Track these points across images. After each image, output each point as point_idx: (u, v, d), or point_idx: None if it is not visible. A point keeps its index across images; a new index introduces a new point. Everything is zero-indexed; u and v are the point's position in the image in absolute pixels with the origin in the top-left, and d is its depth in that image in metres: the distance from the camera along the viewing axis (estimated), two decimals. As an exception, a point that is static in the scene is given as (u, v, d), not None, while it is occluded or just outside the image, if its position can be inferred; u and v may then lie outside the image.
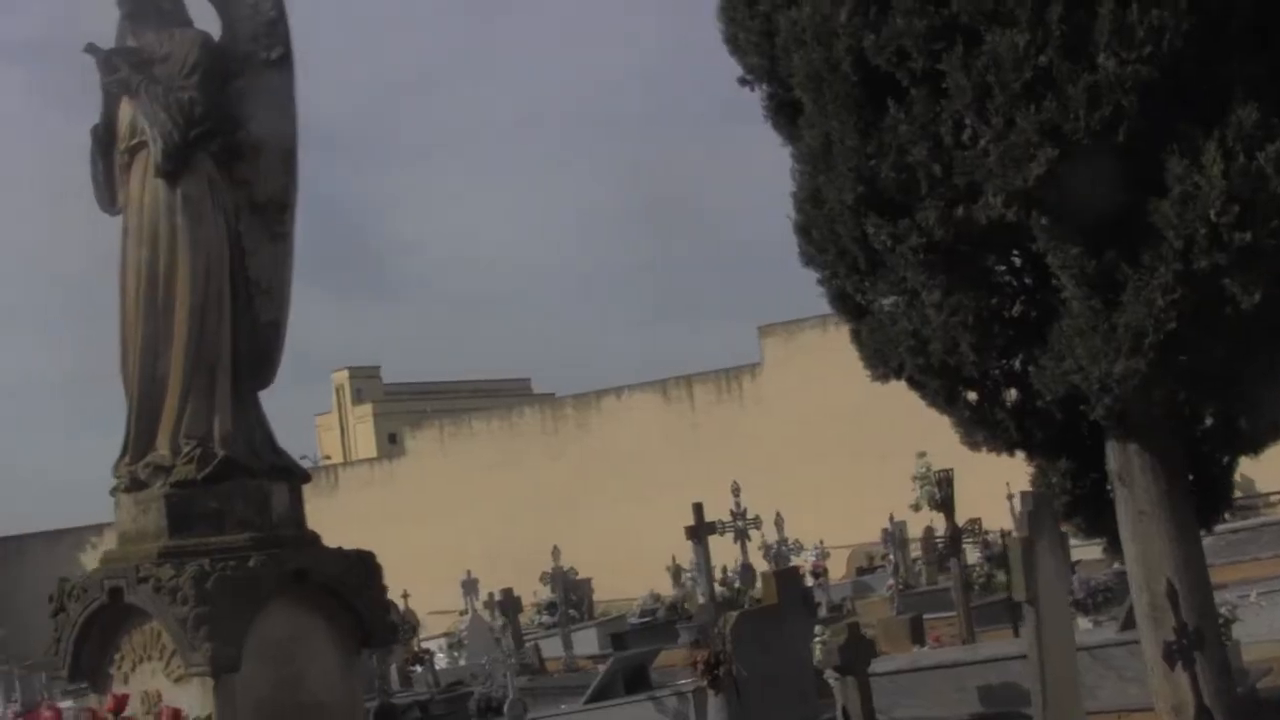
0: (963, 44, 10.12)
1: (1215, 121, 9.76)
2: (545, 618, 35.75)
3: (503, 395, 70.83)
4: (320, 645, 8.35)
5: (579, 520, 44.01)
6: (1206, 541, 27.46)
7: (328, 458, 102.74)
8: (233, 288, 8.41)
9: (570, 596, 32.83)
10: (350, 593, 8.42)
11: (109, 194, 8.75)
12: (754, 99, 12.37)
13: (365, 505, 54.06)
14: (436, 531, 50.70)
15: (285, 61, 8.78)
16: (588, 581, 35.26)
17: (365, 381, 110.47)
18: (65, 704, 31.55)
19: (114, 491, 8.55)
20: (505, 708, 17.59)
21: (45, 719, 8.57)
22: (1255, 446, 11.88)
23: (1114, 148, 9.84)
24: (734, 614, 14.77)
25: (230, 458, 8.19)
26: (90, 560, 69.40)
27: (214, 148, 8.49)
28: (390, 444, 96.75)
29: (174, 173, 8.30)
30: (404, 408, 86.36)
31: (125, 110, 8.60)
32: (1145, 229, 9.94)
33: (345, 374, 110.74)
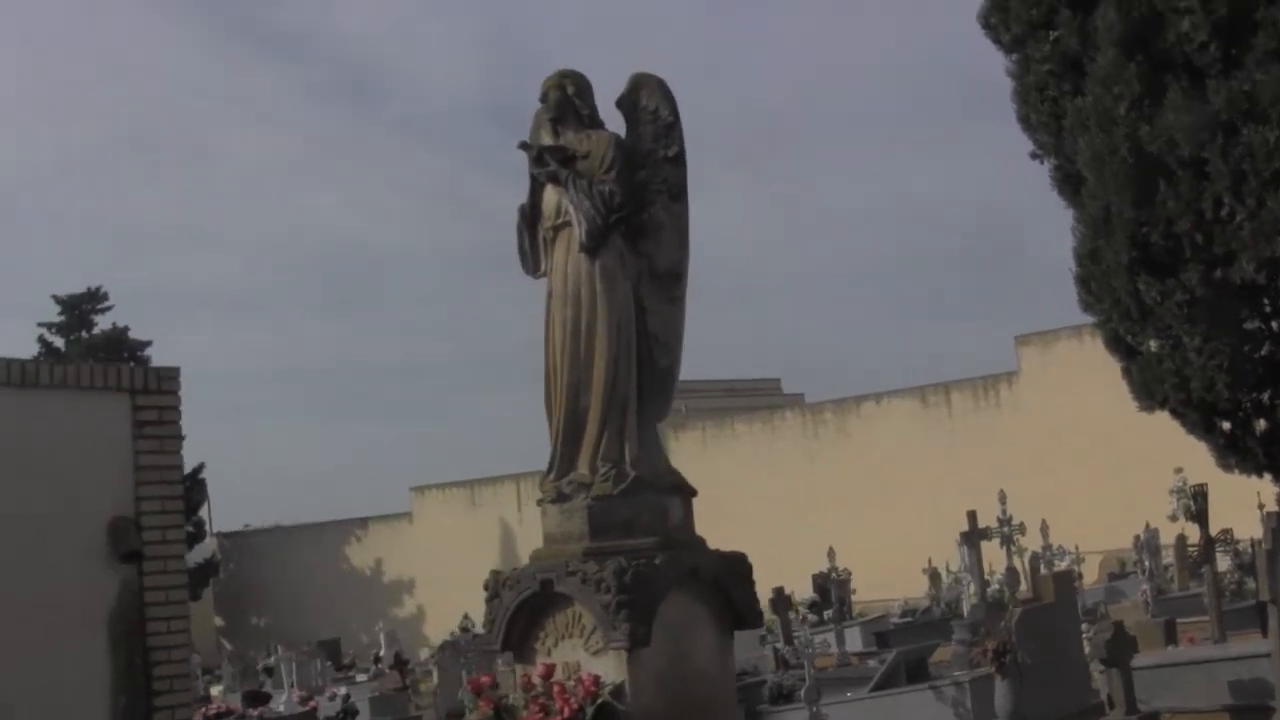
0: (1223, 136, 12.13)
1: None
2: (811, 616, 37.18)
3: (753, 395, 71.48)
4: (704, 628, 10.47)
5: (837, 523, 44.41)
6: None
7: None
8: (638, 340, 10.60)
9: (830, 597, 33.96)
10: (728, 586, 10.56)
11: (534, 262, 10.97)
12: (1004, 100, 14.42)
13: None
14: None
15: (680, 158, 10.89)
16: (847, 582, 36.47)
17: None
18: (340, 690, 33.78)
19: (541, 503, 10.73)
20: (802, 693, 19.12)
21: (484, 683, 10.82)
22: None
23: (1349, 224, 11.80)
24: (1018, 609, 16.69)
25: (639, 476, 10.36)
26: (355, 552, 72.59)
27: (624, 228, 10.67)
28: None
29: (594, 249, 10.50)
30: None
31: (550, 196, 10.78)
32: (1375, 292, 11.88)
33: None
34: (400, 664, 40.71)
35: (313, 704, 32.25)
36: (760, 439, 58.21)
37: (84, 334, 56.35)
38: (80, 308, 56.42)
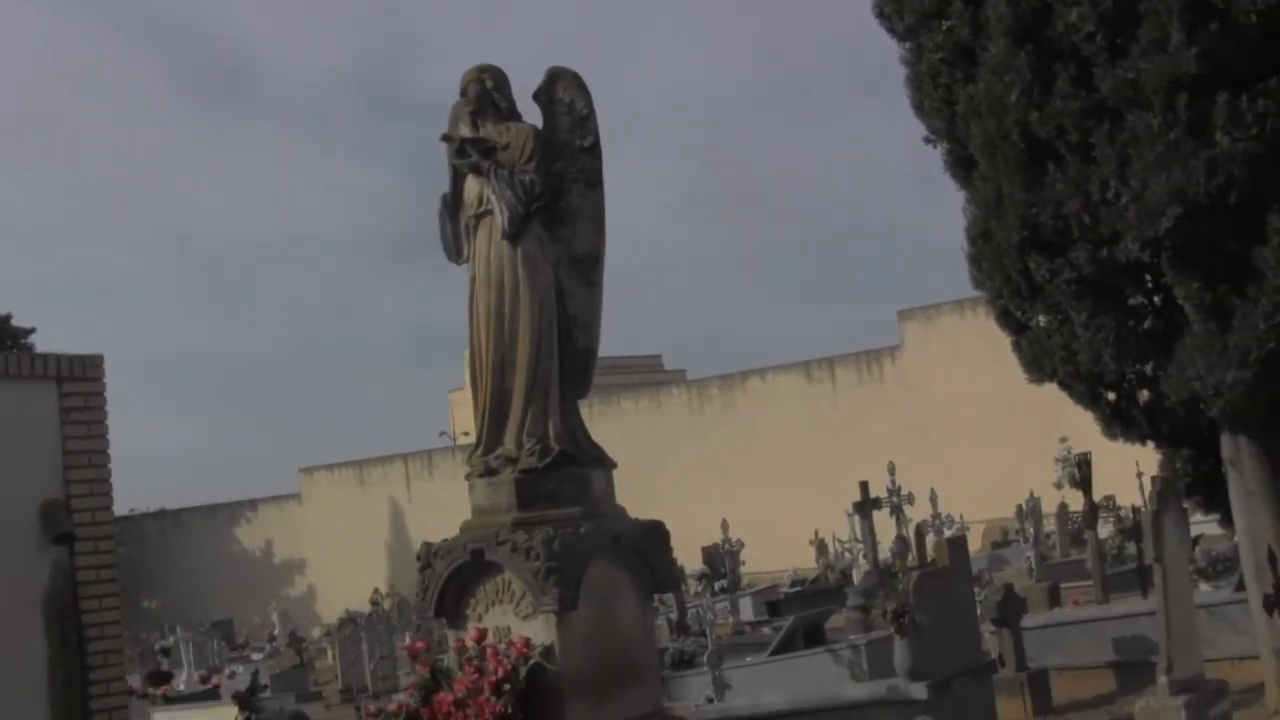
0: (1109, 122, 12.79)
1: (1309, 185, 12.37)
2: (698, 587, 37.82)
3: (635, 371, 71.97)
4: (626, 592, 10.98)
5: (725, 497, 44.92)
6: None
7: (465, 433, 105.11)
8: (558, 322, 11.12)
9: (721, 569, 34.55)
10: (648, 553, 11.10)
11: (457, 249, 11.45)
12: (891, 77, 15.07)
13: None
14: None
15: (595, 148, 11.37)
16: (738, 553, 37.23)
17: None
18: (238, 668, 33.94)
19: (469, 477, 11.21)
20: (705, 659, 19.78)
21: (418, 647, 11.33)
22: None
23: (1227, 207, 12.48)
24: (915, 573, 17.40)
25: (563, 451, 10.84)
26: (246, 533, 72.41)
27: (543, 215, 11.18)
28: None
29: (516, 236, 11.00)
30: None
31: (472, 186, 11.23)
32: (1250, 269, 12.62)
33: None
34: (296, 642, 41.04)
35: (215, 682, 32.57)
36: (647, 415, 59.05)
37: (-35, 322, 56.10)
38: (-39, 298, 56.00)
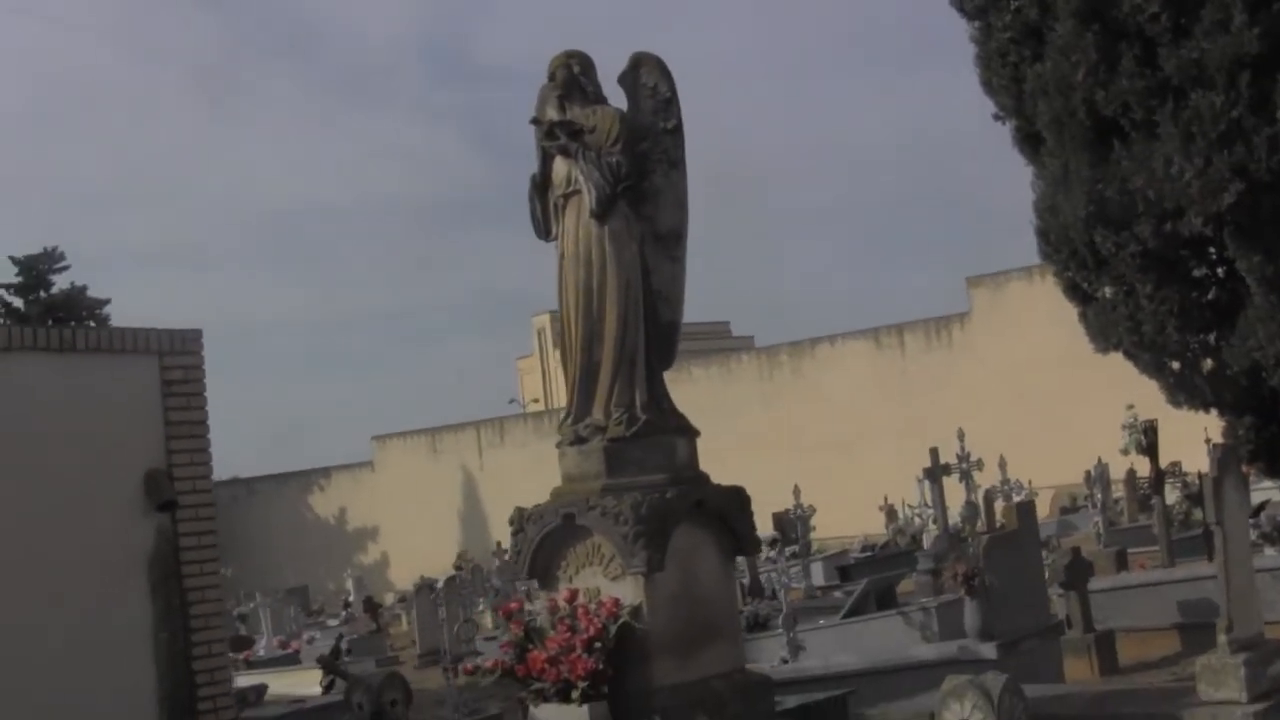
0: (1173, 100, 13.21)
1: (1367, 162, 12.78)
2: (770, 552, 38.15)
3: (705, 339, 72.22)
4: (709, 554, 11.56)
5: (794, 464, 44.69)
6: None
7: (535, 400, 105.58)
8: (644, 297, 11.65)
9: (790, 534, 34.81)
10: (730, 517, 11.67)
11: (545, 227, 12.02)
12: (954, 44, 15.54)
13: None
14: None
15: (678, 130, 11.94)
16: (808, 519, 37.50)
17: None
18: (315, 634, 34.50)
19: (560, 445, 11.80)
20: (780, 621, 20.24)
21: (513, 608, 11.90)
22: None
23: (1288, 182, 12.93)
24: (986, 537, 17.87)
25: (649, 420, 11.42)
26: (319, 501, 73.11)
27: (629, 195, 11.71)
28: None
29: (603, 215, 11.55)
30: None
31: (560, 166, 11.81)
32: (1312, 243, 13.04)
33: (546, 317, 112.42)
34: (372, 608, 41.59)
35: (295, 646, 33.27)
36: (717, 383, 58.94)
37: (42, 294, 56.49)
38: (37, 268, 56.43)
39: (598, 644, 10.67)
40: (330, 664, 23.59)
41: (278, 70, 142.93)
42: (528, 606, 13.25)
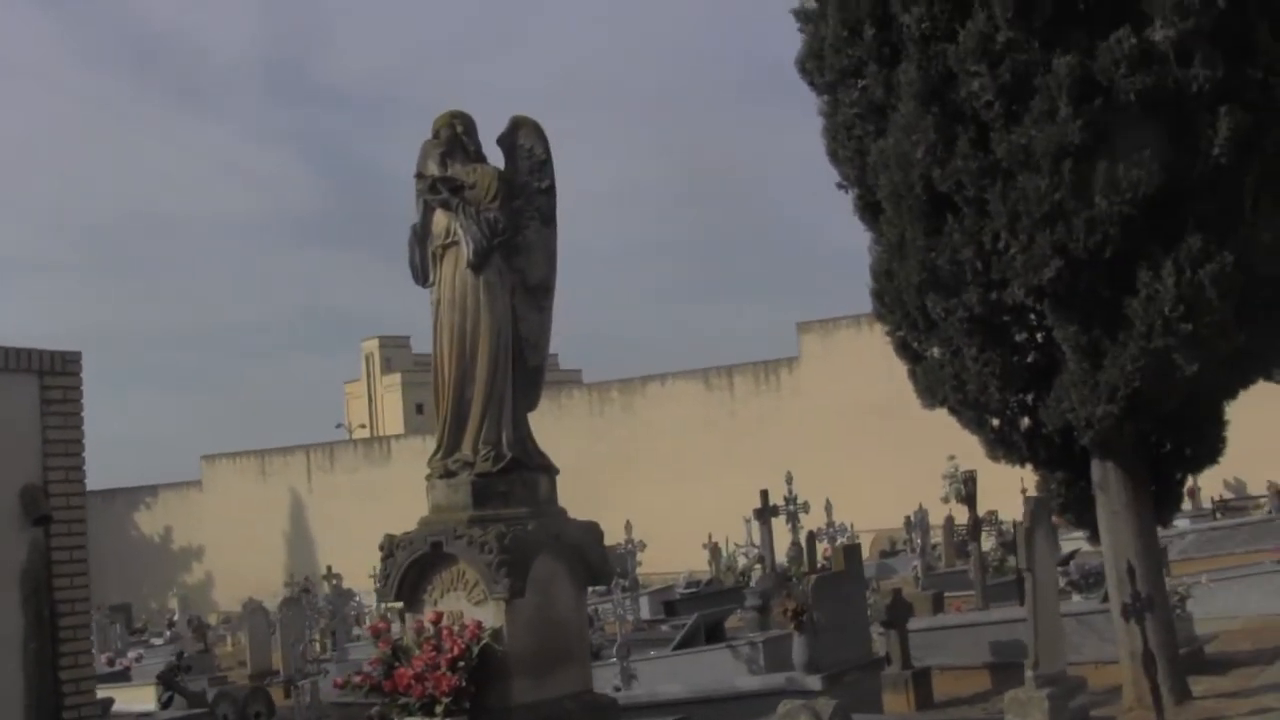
0: (1002, 181, 14.31)
1: (1172, 246, 13.99)
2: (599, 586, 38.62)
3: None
4: (565, 583, 12.39)
5: (621, 499, 45.67)
6: (1190, 537, 31.86)
7: (361, 426, 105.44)
8: (513, 343, 12.55)
9: (618, 568, 35.93)
10: (586, 549, 12.57)
11: (423, 274, 12.83)
12: (792, 80, 16.49)
13: (417, 475, 56.97)
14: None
15: (551, 190, 12.77)
16: (635, 554, 38.24)
17: (395, 351, 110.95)
18: (139, 651, 34.40)
19: (429, 478, 12.56)
20: (614, 650, 21.04)
21: (381, 628, 12.69)
22: (1197, 467, 16.33)
23: (1103, 261, 14.10)
24: (815, 576, 18.91)
25: (515, 457, 12.28)
26: (145, 519, 72.71)
27: (503, 248, 12.56)
28: (418, 414, 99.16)
29: (479, 266, 12.40)
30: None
31: (440, 219, 12.58)
32: (1120, 317, 14.25)
33: (375, 342, 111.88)
34: (200, 627, 41.82)
35: (125, 664, 33.50)
36: (548, 416, 58.63)
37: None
38: None
39: (461, 663, 11.44)
40: (169, 680, 24.04)
41: (114, 77, 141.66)
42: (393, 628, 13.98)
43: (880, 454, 48.36)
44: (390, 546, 12.55)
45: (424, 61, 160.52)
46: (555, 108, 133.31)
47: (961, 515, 30.57)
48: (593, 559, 12.70)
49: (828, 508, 31.26)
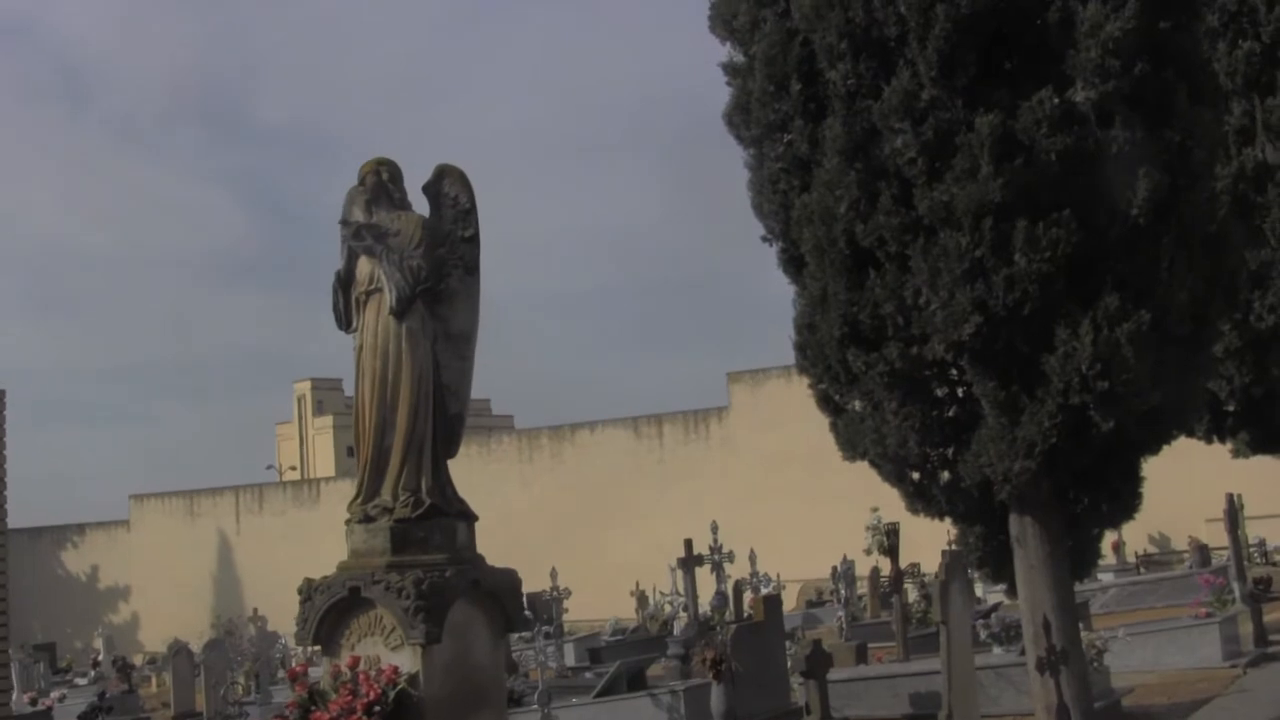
0: (924, 238, 14.50)
1: (1090, 304, 14.19)
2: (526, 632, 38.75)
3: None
4: (482, 630, 12.41)
5: (549, 546, 45.95)
6: (1112, 591, 32.12)
7: (292, 468, 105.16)
8: (434, 390, 12.60)
9: (543, 615, 35.92)
10: (503, 596, 12.61)
11: (346, 319, 12.87)
12: (724, 138, 16.58)
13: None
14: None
15: (474, 239, 12.81)
16: (560, 600, 38.32)
17: (327, 393, 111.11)
18: (63, 691, 34.29)
19: (349, 523, 12.57)
20: (536, 697, 21.12)
21: (298, 672, 12.72)
22: (1114, 523, 16.51)
23: (1021, 318, 14.27)
24: (733, 626, 19.00)
25: (434, 504, 12.30)
26: (72, 558, 72.24)
27: (426, 296, 12.61)
28: (349, 457, 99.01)
29: (402, 313, 12.45)
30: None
31: (364, 265, 12.63)
32: (1038, 373, 14.42)
33: (308, 384, 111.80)
34: (125, 668, 41.60)
35: (48, 703, 33.34)
36: (476, 461, 58.85)
37: None
38: None
39: (377, 707, 11.44)
40: (91, 720, 23.96)
41: (47, 110, 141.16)
42: (311, 671, 13.97)
43: (809, 504, 48.60)
44: (309, 590, 12.54)
45: (360, 105, 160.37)
46: (488, 156, 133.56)
47: (886, 566, 30.76)
48: (510, 606, 12.71)
49: (752, 557, 31.38)
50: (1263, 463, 31.90)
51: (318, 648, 12.94)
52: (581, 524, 55.28)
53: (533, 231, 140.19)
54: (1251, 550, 39.61)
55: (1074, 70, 14.32)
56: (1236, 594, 25.40)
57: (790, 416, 47.18)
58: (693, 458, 55.56)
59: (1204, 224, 15.00)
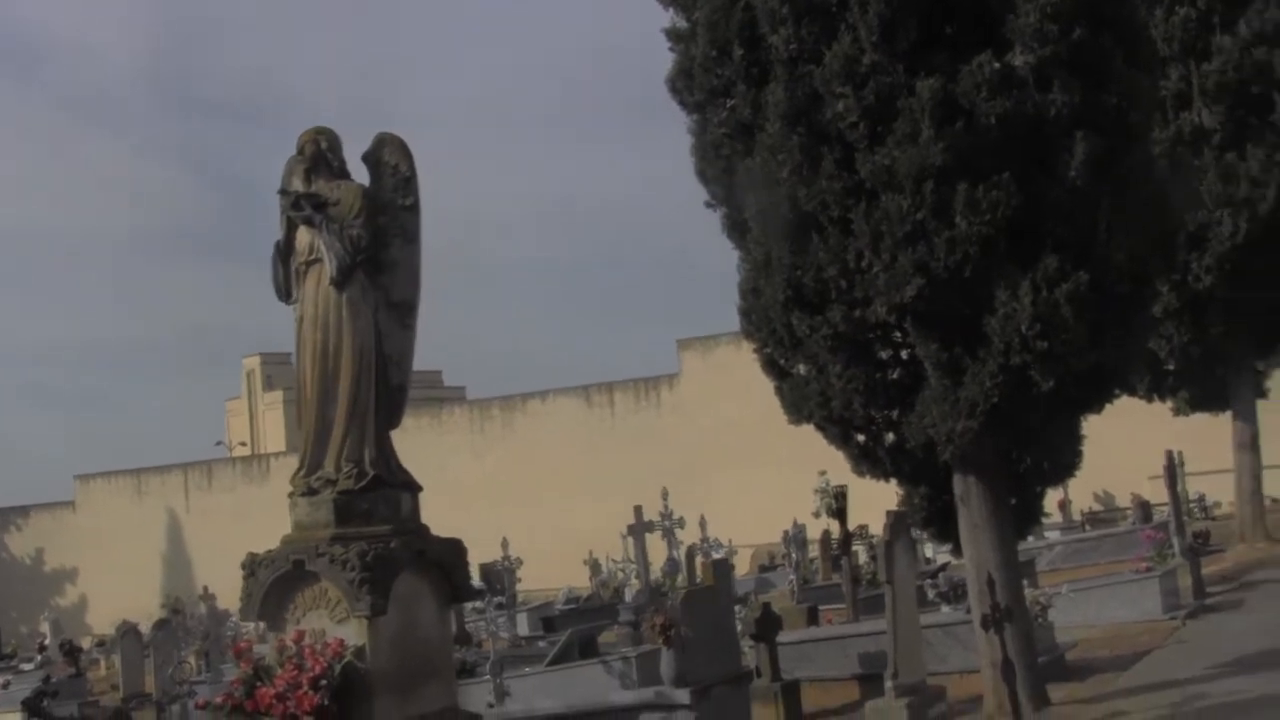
0: (866, 201, 14.57)
1: (1029, 266, 14.30)
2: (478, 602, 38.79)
3: (416, 387, 72.68)
4: (428, 601, 12.36)
5: (503, 516, 45.92)
6: (1058, 549, 32.40)
7: (242, 444, 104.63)
8: (376, 361, 12.56)
9: (496, 585, 35.41)
10: (449, 566, 12.56)
11: (286, 290, 12.79)
12: (668, 105, 16.62)
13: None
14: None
15: (415, 207, 12.72)
16: (515, 570, 38.34)
17: (277, 368, 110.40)
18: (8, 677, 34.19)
19: (292, 495, 12.53)
20: (488, 667, 21.08)
21: (243, 648, 12.66)
22: (1055, 481, 16.69)
23: (963, 280, 14.36)
24: (684, 590, 19.02)
25: (377, 475, 12.25)
26: (15, 541, 71.64)
27: (367, 265, 12.54)
28: (299, 431, 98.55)
29: (342, 283, 12.35)
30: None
31: (304, 235, 12.49)
32: (980, 334, 14.55)
33: (257, 360, 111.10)
34: (71, 652, 41.30)
35: (-6, 688, 33.14)
36: (428, 433, 59.25)
37: None
38: None
39: (323, 682, 11.34)
40: (35, 706, 23.75)
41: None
42: (257, 647, 13.92)
43: (760, 469, 48.68)
44: (253, 565, 12.46)
45: (314, 74, 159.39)
46: (438, 126, 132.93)
47: (836, 529, 30.84)
48: (456, 576, 12.67)
49: (702, 523, 31.42)
50: (1202, 420, 32.30)
51: (264, 623, 12.90)
52: (534, 494, 55.27)
53: (477, 202, 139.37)
54: (1192, 506, 40.05)
55: (1013, 35, 14.41)
56: (1176, 548, 25.56)
57: (741, 382, 47.07)
58: (644, 425, 55.57)
59: (1142, 186, 15.15)
